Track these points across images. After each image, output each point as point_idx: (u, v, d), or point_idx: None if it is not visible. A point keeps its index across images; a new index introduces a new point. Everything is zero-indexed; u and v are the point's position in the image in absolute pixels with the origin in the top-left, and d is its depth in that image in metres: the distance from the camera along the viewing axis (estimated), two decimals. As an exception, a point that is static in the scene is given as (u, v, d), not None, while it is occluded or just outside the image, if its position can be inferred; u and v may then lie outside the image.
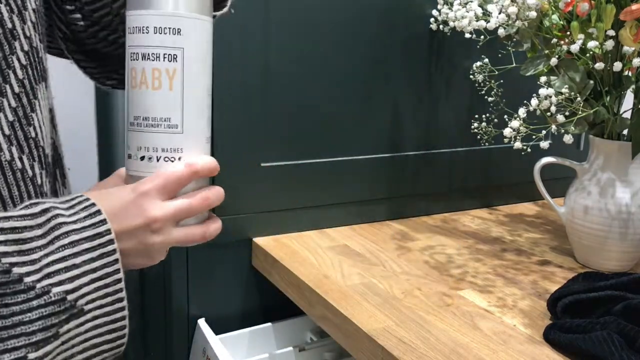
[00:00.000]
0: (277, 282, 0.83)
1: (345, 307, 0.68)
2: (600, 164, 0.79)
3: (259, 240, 0.89)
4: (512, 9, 0.75)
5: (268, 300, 0.93)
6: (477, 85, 0.91)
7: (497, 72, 0.89)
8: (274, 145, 0.88)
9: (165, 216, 0.43)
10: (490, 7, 0.81)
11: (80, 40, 0.57)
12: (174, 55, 0.45)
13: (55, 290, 0.37)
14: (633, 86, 0.77)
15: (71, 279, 0.38)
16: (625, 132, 0.79)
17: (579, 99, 0.73)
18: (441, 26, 0.95)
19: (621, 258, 0.80)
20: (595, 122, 0.79)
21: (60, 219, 0.39)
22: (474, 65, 0.90)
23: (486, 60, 0.89)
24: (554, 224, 1.04)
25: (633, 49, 0.73)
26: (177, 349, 0.90)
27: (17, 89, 0.43)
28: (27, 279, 0.36)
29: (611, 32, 0.70)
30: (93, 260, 0.39)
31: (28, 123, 0.44)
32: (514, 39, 0.84)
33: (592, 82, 0.76)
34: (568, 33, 0.76)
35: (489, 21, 0.80)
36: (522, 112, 0.73)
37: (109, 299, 0.40)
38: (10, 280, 0.35)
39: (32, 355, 0.36)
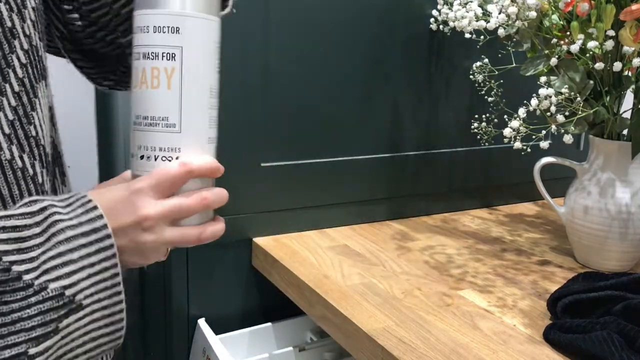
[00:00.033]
0: (277, 282, 0.83)
1: (345, 307, 0.68)
2: (600, 164, 0.79)
3: (259, 240, 0.89)
4: (512, 9, 0.75)
5: (268, 300, 0.93)
6: (477, 85, 0.91)
7: (497, 72, 0.89)
8: (274, 145, 0.88)
9: (156, 215, 0.43)
10: (490, 7, 0.81)
11: (78, 40, 0.57)
12: (172, 54, 0.45)
13: (52, 286, 0.37)
14: (633, 86, 0.77)
15: (68, 274, 0.38)
16: (625, 132, 0.79)
17: (578, 99, 0.73)
18: (441, 26, 0.95)
19: (621, 258, 0.80)
20: (595, 122, 0.79)
21: (57, 217, 0.40)
22: (474, 65, 0.90)
23: (486, 60, 0.89)
24: (554, 224, 1.04)
25: (633, 49, 0.73)
26: (177, 349, 0.90)
27: (17, 88, 0.43)
28: (26, 277, 0.37)
29: (611, 32, 0.70)
30: (90, 255, 0.40)
31: (28, 122, 0.44)
32: (514, 39, 0.84)
33: (592, 82, 0.76)
34: (568, 33, 0.76)
35: (489, 21, 0.80)
36: (522, 112, 0.73)
37: (107, 293, 0.41)
38: (10, 278, 0.36)
39: (32, 351, 0.36)
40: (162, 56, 0.45)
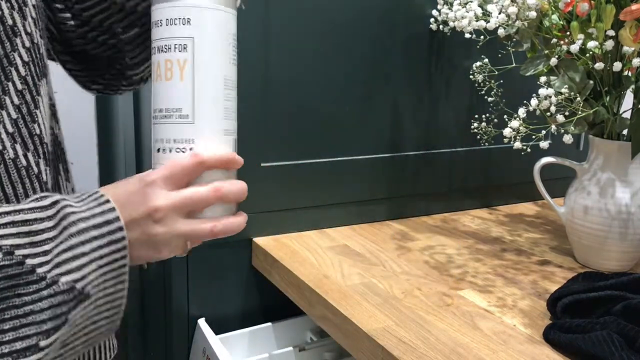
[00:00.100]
0: (277, 282, 0.83)
1: (345, 307, 0.68)
2: (600, 164, 0.79)
3: (259, 240, 0.89)
4: (512, 9, 0.75)
5: (268, 300, 0.93)
6: (477, 85, 0.91)
7: (497, 72, 0.89)
8: (274, 145, 0.88)
9: (168, 206, 0.43)
10: (490, 7, 0.81)
11: (68, 41, 0.56)
12: (184, 45, 0.45)
13: (63, 279, 0.38)
14: (633, 86, 0.77)
15: (79, 268, 0.39)
16: (625, 132, 0.79)
17: (578, 99, 0.73)
18: (441, 26, 0.95)
19: (621, 258, 0.80)
20: (595, 122, 0.79)
21: (70, 209, 0.40)
22: (474, 65, 0.90)
23: (486, 60, 0.89)
24: (553, 224, 1.04)
25: (633, 49, 0.73)
26: (177, 349, 0.90)
27: (19, 86, 0.43)
28: (39, 270, 0.37)
29: (611, 32, 0.70)
30: (101, 247, 0.40)
31: (32, 120, 0.44)
32: (514, 39, 0.84)
33: (591, 82, 0.76)
34: (568, 33, 0.76)
35: (488, 21, 0.80)
36: (522, 112, 0.73)
37: (112, 282, 0.41)
38: (24, 272, 0.36)
39: (43, 343, 0.37)
40: (175, 48, 0.45)
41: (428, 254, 0.86)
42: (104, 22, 0.54)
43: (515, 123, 0.73)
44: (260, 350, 0.89)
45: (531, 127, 0.73)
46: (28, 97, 0.43)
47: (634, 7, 0.67)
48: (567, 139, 0.73)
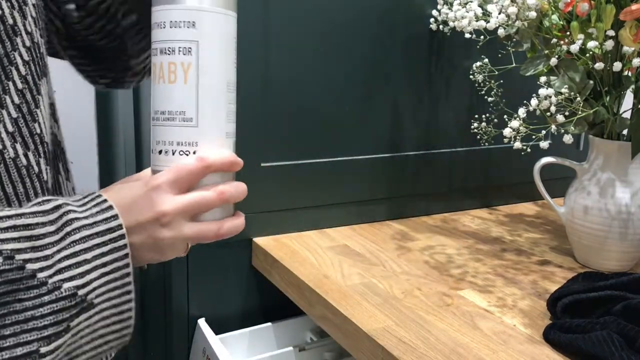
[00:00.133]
0: (277, 282, 0.83)
1: (345, 307, 0.68)
2: (600, 164, 0.79)
3: (259, 240, 0.89)
4: (512, 9, 0.75)
5: (268, 300, 0.93)
6: (477, 85, 0.91)
7: (497, 72, 0.89)
8: (274, 145, 0.88)
9: (175, 210, 0.43)
10: (490, 7, 0.81)
11: (74, 35, 0.56)
12: (188, 48, 0.45)
13: (66, 285, 0.38)
14: (633, 86, 0.77)
15: (82, 274, 0.39)
16: (625, 132, 0.79)
17: (578, 99, 0.73)
18: (441, 26, 0.95)
19: (621, 258, 0.80)
20: (595, 122, 0.79)
21: (73, 215, 0.40)
22: (474, 65, 0.90)
23: (486, 60, 0.89)
24: (553, 224, 1.04)
25: (633, 49, 0.73)
26: (177, 349, 0.90)
27: (20, 86, 0.43)
28: (40, 275, 0.37)
29: (611, 32, 0.70)
30: (104, 255, 0.40)
31: (33, 119, 0.44)
32: (514, 39, 0.84)
33: (591, 82, 0.76)
34: (568, 33, 0.76)
35: (488, 21, 0.80)
36: (522, 112, 0.73)
37: (117, 292, 0.41)
38: (24, 276, 0.36)
39: (43, 349, 0.36)
40: (179, 51, 0.45)
41: (428, 254, 0.86)
42: (109, 10, 0.54)
43: (515, 123, 0.73)
44: (260, 350, 0.89)
45: (531, 127, 0.73)
46: (28, 96, 0.43)
47: (634, 7, 0.67)
48: (567, 139, 0.73)
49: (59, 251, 0.38)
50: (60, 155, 0.51)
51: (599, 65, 0.72)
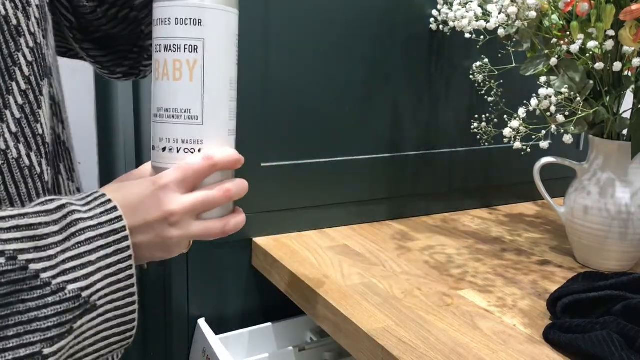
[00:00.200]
0: (277, 282, 0.83)
1: (345, 307, 0.68)
2: (600, 164, 0.79)
3: (259, 240, 0.89)
4: (512, 9, 0.75)
5: (268, 300, 0.93)
6: (477, 85, 0.91)
7: (497, 72, 0.89)
8: (274, 145, 0.88)
9: (183, 209, 0.44)
10: (490, 7, 0.81)
11: (87, 27, 0.56)
12: (194, 46, 0.45)
13: (70, 287, 0.38)
14: (633, 86, 0.77)
15: (86, 276, 0.39)
16: (625, 132, 0.79)
17: (578, 99, 0.73)
18: (441, 26, 0.95)
19: (621, 258, 0.80)
20: (595, 122, 0.79)
21: (77, 215, 0.40)
22: (474, 65, 0.90)
23: (486, 60, 0.89)
24: (553, 224, 1.04)
25: (633, 49, 0.73)
26: (177, 349, 0.90)
27: (23, 86, 0.43)
28: (44, 275, 0.37)
29: (611, 32, 0.70)
30: (108, 256, 0.40)
31: (35, 120, 0.44)
32: (514, 39, 0.84)
33: (591, 82, 0.76)
34: (568, 33, 0.76)
35: (488, 21, 0.80)
36: (522, 112, 0.73)
37: (120, 294, 0.41)
38: (27, 277, 0.36)
39: (46, 351, 0.36)
40: (185, 48, 0.45)
41: (428, 254, 0.86)
42: None
43: (515, 123, 0.73)
44: (260, 350, 0.89)
45: (531, 127, 0.73)
46: (31, 96, 0.43)
47: (634, 7, 0.67)
48: (567, 139, 0.73)
49: (63, 252, 0.38)
50: (65, 155, 0.51)
51: (599, 65, 0.72)
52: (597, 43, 0.71)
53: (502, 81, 0.91)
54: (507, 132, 0.73)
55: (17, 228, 0.37)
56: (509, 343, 0.61)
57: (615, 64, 0.71)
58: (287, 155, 0.90)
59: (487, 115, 0.92)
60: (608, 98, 0.76)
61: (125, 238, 0.41)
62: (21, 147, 0.42)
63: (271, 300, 0.92)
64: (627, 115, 0.78)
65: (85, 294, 0.38)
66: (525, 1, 0.75)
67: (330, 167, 0.94)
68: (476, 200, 1.12)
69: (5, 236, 0.36)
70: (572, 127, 0.73)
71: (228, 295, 0.91)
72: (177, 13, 0.45)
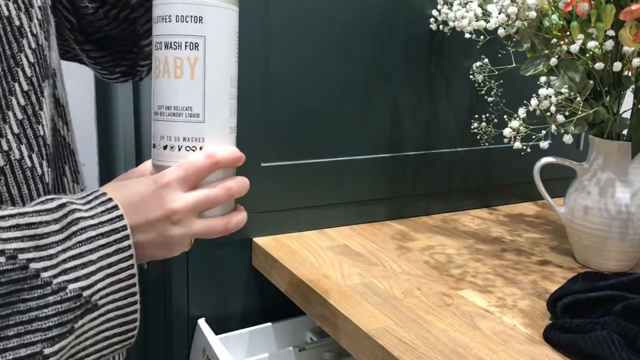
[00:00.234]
0: (277, 282, 0.83)
1: (345, 307, 0.68)
2: (600, 164, 0.79)
3: (259, 240, 0.89)
4: (512, 9, 0.75)
5: (268, 300, 0.93)
6: (477, 85, 0.91)
7: (497, 72, 0.89)
8: (274, 145, 0.88)
9: (186, 208, 0.44)
10: (490, 7, 0.81)
11: (88, 28, 0.56)
12: (195, 43, 0.45)
13: (71, 286, 0.37)
14: (633, 86, 0.77)
15: (87, 276, 0.38)
16: (625, 132, 0.79)
17: (578, 99, 0.73)
18: (441, 26, 0.95)
19: (621, 258, 0.80)
20: (595, 122, 0.79)
21: (78, 214, 0.39)
22: (474, 65, 0.90)
23: (486, 60, 0.89)
24: (553, 224, 1.04)
25: (633, 49, 0.73)
26: (177, 349, 0.90)
27: (25, 87, 0.43)
28: (44, 274, 0.36)
29: (611, 32, 0.70)
30: (109, 255, 0.40)
31: (37, 121, 0.44)
32: (514, 39, 0.84)
33: (591, 82, 0.76)
34: (568, 33, 0.76)
35: (488, 21, 0.80)
36: (521, 112, 0.73)
37: (122, 294, 0.41)
38: (28, 276, 0.36)
39: (47, 351, 0.36)
40: (186, 46, 0.45)
41: (428, 254, 0.86)
42: None
43: (515, 123, 0.73)
44: (260, 350, 0.89)
45: (531, 127, 0.73)
46: (33, 98, 0.43)
47: (634, 7, 0.67)
48: (567, 139, 0.73)
49: (63, 251, 0.38)
50: (69, 157, 0.51)
51: (599, 65, 0.72)
52: (597, 43, 0.71)
53: (502, 81, 0.91)
54: (507, 132, 0.73)
55: (17, 227, 0.36)
56: (509, 343, 0.61)
57: (615, 64, 0.71)
58: (287, 155, 0.90)
59: (487, 115, 0.92)
60: (608, 98, 0.76)
61: (127, 237, 0.41)
62: (23, 148, 0.42)
63: (271, 300, 0.93)
64: (627, 115, 0.78)
65: (86, 293, 0.38)
66: (525, 1, 0.75)
67: (330, 167, 0.94)
68: (476, 200, 1.12)
69: (5, 235, 0.36)
70: (572, 127, 0.73)
71: (228, 295, 0.91)
72: (177, 10, 0.45)
